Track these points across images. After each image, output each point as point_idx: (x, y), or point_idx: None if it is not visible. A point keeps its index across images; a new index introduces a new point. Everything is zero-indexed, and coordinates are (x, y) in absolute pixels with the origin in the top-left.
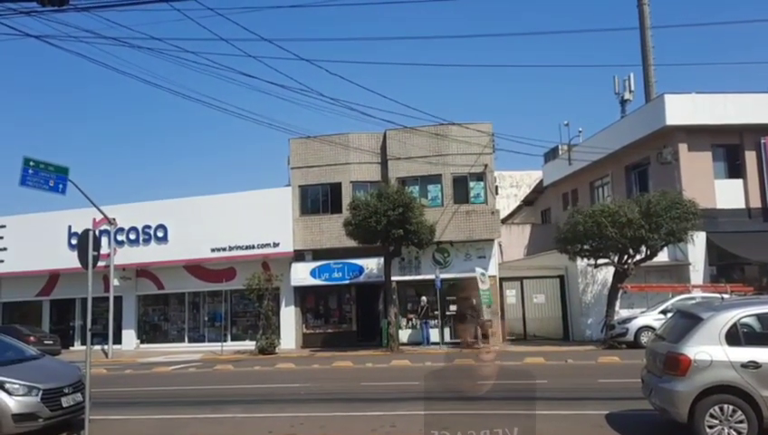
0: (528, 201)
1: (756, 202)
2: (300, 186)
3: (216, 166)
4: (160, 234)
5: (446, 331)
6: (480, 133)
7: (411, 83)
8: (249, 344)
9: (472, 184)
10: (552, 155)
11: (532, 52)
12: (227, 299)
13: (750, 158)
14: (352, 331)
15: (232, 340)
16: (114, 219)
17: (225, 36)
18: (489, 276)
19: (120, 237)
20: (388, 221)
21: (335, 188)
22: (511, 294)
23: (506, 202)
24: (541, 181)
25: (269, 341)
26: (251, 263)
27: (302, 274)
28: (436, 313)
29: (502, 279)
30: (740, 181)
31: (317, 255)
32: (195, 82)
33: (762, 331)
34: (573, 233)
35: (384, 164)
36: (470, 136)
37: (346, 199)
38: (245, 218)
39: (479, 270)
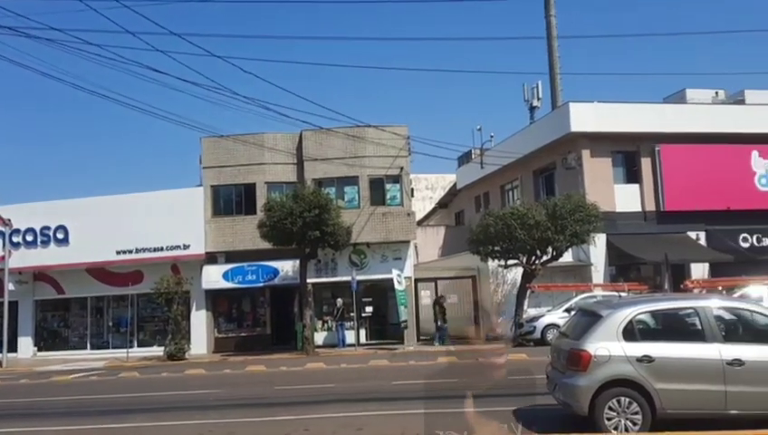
0: (443, 204)
1: (651, 206)
2: (212, 186)
3: (123, 165)
4: (60, 235)
5: (362, 332)
6: (396, 136)
7: (329, 85)
8: (157, 350)
9: (388, 186)
10: (465, 159)
11: (448, 57)
12: (134, 303)
13: (646, 164)
14: (266, 334)
15: (139, 346)
16: (9, 220)
17: (132, 29)
18: (405, 278)
19: (15, 239)
20: (303, 223)
21: (249, 189)
22: (426, 295)
23: (422, 204)
24: (455, 184)
25: (178, 346)
26: (160, 265)
27: (214, 276)
28: (351, 314)
29: (417, 280)
30: (637, 186)
31: (230, 257)
32: (99, 78)
33: (655, 327)
34: (485, 235)
35: (300, 165)
36: (386, 138)
37: (261, 200)
38: (154, 219)
39: (395, 271)
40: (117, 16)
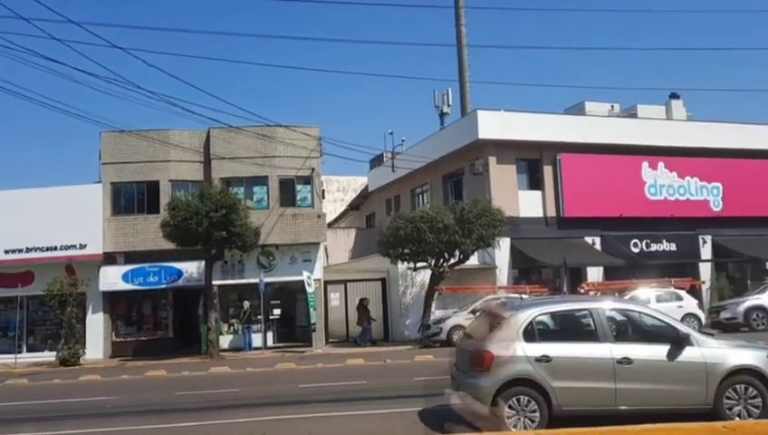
0: (354, 206)
1: (552, 212)
2: (112, 183)
3: (16, 159)
4: None
5: (270, 335)
6: (308, 137)
7: (239, 83)
8: (49, 356)
9: (299, 187)
10: (377, 162)
11: (363, 60)
12: (24, 306)
13: (548, 172)
14: (169, 338)
15: (28, 351)
16: None
17: (25, 15)
18: (314, 280)
19: None
20: (210, 223)
21: (152, 187)
22: (335, 297)
23: (333, 206)
24: (366, 187)
25: (72, 351)
26: (53, 266)
27: (112, 278)
28: (259, 317)
29: (326, 282)
30: (539, 193)
31: (130, 257)
32: None
33: (553, 327)
34: (395, 237)
35: (207, 163)
36: (298, 139)
37: (164, 199)
38: (48, 217)
39: (306, 273)
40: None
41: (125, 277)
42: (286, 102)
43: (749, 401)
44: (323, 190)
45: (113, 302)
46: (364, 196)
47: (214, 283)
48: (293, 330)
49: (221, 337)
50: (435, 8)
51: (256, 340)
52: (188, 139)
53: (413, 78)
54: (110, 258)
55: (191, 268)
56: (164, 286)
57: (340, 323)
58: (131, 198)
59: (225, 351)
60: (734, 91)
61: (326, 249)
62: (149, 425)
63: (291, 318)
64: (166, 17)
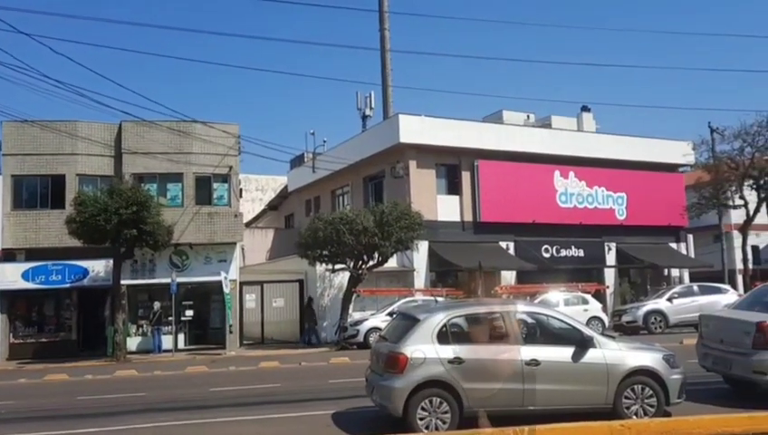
0: (273, 206)
1: (469, 216)
2: (13, 175)
3: None
4: None
5: (181, 337)
6: (226, 134)
7: (155, 77)
8: None
9: (216, 185)
10: (297, 162)
11: (286, 60)
12: None
13: (466, 177)
14: (72, 340)
15: None
16: None
17: None
18: (231, 280)
19: None
20: (119, 220)
21: (57, 181)
22: (250, 298)
23: (251, 206)
24: (286, 187)
25: None
26: None
27: (11, 276)
28: (170, 319)
29: (242, 283)
30: (457, 197)
31: (32, 255)
32: None
33: (466, 330)
34: (314, 238)
35: (118, 158)
36: (216, 136)
37: (70, 194)
38: None
39: (224, 274)
40: None
41: (25, 275)
42: (205, 99)
43: (645, 400)
44: (241, 189)
45: (12, 301)
46: (283, 196)
47: (122, 282)
48: (206, 332)
49: (129, 339)
50: (360, 11)
51: (166, 342)
52: (98, 131)
53: (336, 80)
54: (9, 255)
55: (98, 267)
56: (68, 286)
57: (255, 325)
58: (34, 192)
59: (132, 353)
60: (639, 106)
61: (242, 249)
62: (46, 431)
63: (204, 320)
64: (80, 5)
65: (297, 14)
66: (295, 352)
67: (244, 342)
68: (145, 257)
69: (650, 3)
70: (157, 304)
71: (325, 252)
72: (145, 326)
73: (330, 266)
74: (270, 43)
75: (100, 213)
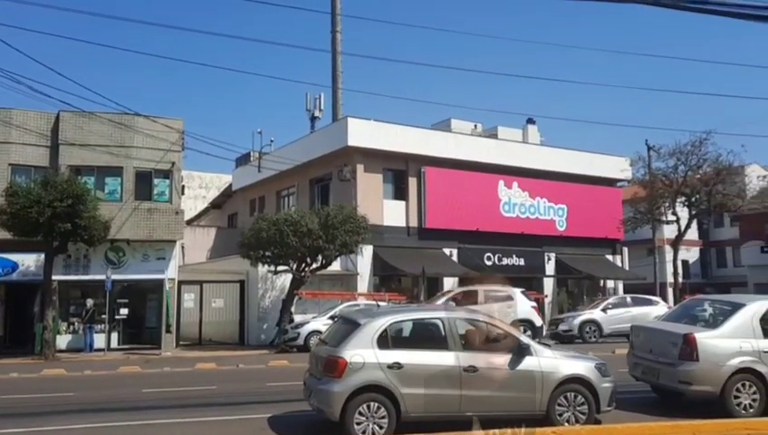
0: (216, 204)
1: (414, 222)
2: None
3: None
4: None
5: (114, 336)
6: (169, 129)
7: (96, 68)
8: None
9: (157, 181)
10: (243, 160)
11: (238, 57)
12: None
13: (412, 183)
14: None
15: None
16: None
17: None
18: (169, 279)
19: None
20: (53, 213)
21: None
22: (189, 298)
23: (193, 203)
24: (230, 185)
25: None
26: None
27: None
28: (103, 317)
29: (181, 282)
30: (403, 203)
31: None
32: None
33: (407, 335)
34: (257, 239)
35: (55, 149)
36: (158, 131)
37: (2, 184)
38: None
39: (166, 272)
40: None
41: None
42: (149, 92)
43: (577, 407)
44: (183, 186)
45: None
46: (228, 194)
47: (54, 278)
48: (142, 331)
49: (59, 337)
50: (312, 12)
51: (99, 341)
52: (34, 120)
53: (285, 79)
54: None
55: (28, 261)
56: None
57: (193, 326)
58: None
59: (62, 352)
60: (583, 121)
61: (183, 248)
62: None
63: (139, 319)
64: None
65: (249, 11)
66: (233, 353)
67: (181, 342)
68: (79, 253)
69: (595, 21)
70: (90, 302)
71: (268, 253)
72: (76, 324)
73: (272, 268)
74: (221, 39)
75: (32, 205)
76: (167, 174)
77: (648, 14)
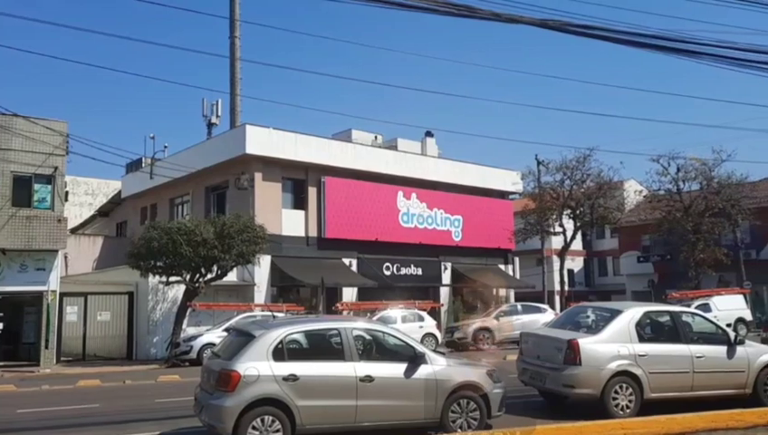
0: (104, 212)
1: (314, 232)
2: None
3: None
4: None
5: None
6: (52, 132)
7: None
8: None
9: (37, 186)
10: (134, 166)
11: (132, 60)
12: None
13: (312, 193)
14: None
15: None
16: None
17: None
18: (51, 291)
19: None
20: None
21: None
22: (72, 311)
23: (79, 210)
24: (119, 192)
25: None
26: None
27: None
28: None
29: (64, 294)
30: (302, 212)
31: None
32: None
33: (303, 347)
34: (147, 248)
35: None
36: (40, 133)
37: None
38: None
39: (48, 284)
40: None
41: None
42: (30, 93)
43: (470, 413)
44: (67, 192)
45: None
46: (116, 202)
47: None
48: (18, 347)
49: None
50: (211, 17)
51: None
52: None
53: (182, 84)
54: None
55: None
56: None
57: (76, 341)
58: None
59: None
60: (478, 136)
61: (66, 257)
62: None
63: (16, 333)
64: None
65: (144, 12)
66: (120, 369)
67: (63, 358)
68: None
69: (493, 39)
70: None
71: (159, 263)
72: None
73: (164, 279)
74: (114, 40)
75: None
76: (49, 179)
77: (538, 35)
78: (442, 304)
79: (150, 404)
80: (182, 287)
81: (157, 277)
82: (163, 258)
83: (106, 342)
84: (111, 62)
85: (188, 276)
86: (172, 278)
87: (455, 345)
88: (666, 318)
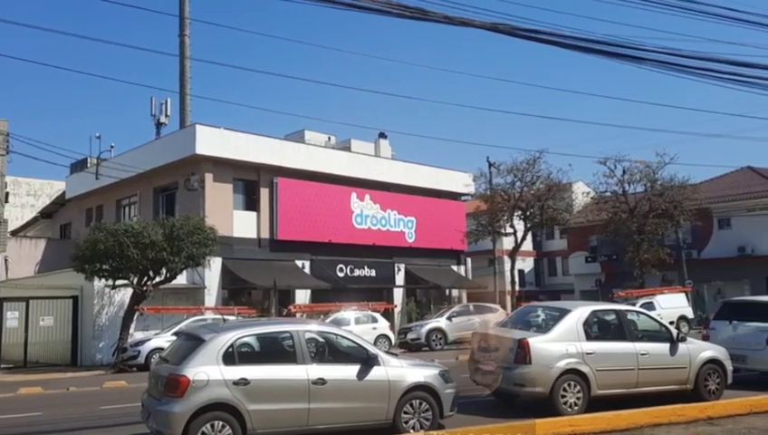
0: (47, 213)
1: (266, 233)
2: None
3: None
4: None
5: None
6: None
7: None
8: None
9: None
10: (79, 167)
11: (76, 57)
12: None
13: (264, 194)
14: None
15: None
16: None
17: None
18: None
19: None
20: None
21: None
22: (13, 316)
23: (20, 212)
24: (63, 193)
25: None
26: None
27: None
28: None
29: (3, 299)
30: (254, 214)
31: None
32: None
33: (254, 350)
34: (93, 251)
35: None
36: None
37: None
38: None
39: None
40: None
41: None
42: None
43: (422, 414)
44: (7, 193)
45: None
46: (60, 203)
47: None
48: None
49: None
50: (161, 15)
51: None
52: None
53: (129, 83)
54: None
55: None
56: None
57: (17, 347)
58: None
59: None
60: (431, 138)
61: (6, 261)
62: None
63: None
64: None
65: (93, 10)
66: (64, 375)
67: (3, 365)
68: None
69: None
70: None
71: (105, 266)
72: None
73: (110, 282)
74: (60, 37)
75: None
76: None
77: (488, 38)
78: (395, 306)
79: (95, 411)
80: (129, 291)
81: (103, 281)
82: (109, 261)
83: (49, 348)
84: (57, 60)
85: (136, 280)
86: (119, 282)
87: (408, 346)
88: (612, 317)
